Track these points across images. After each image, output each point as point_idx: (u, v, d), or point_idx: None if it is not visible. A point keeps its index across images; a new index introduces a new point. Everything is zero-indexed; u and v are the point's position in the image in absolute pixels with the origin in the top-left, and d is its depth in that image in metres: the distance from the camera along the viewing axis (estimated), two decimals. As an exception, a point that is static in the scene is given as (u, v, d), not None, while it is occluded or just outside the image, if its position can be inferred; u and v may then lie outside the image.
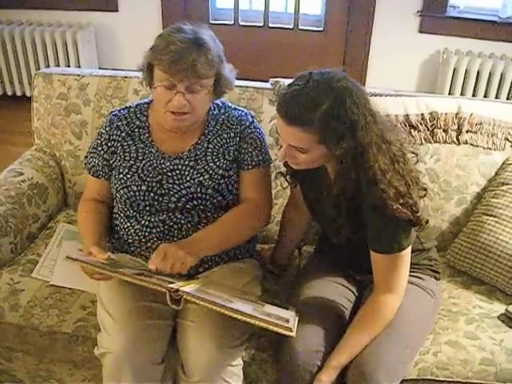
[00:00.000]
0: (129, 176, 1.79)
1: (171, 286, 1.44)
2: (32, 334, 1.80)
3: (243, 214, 1.80)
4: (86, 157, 1.93)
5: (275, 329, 1.39)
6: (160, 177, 1.78)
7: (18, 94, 4.65)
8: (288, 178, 1.82)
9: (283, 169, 1.82)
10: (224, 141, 1.84)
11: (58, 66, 4.43)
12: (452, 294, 2.01)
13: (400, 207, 1.49)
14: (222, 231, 1.74)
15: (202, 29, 1.72)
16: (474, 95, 4.14)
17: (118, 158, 1.83)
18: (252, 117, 1.92)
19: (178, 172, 1.79)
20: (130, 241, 1.82)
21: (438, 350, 1.74)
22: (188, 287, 1.48)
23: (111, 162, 1.85)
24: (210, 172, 1.79)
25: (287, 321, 1.47)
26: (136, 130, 1.85)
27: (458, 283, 2.07)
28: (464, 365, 1.70)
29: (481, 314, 1.90)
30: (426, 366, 1.69)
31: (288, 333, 1.40)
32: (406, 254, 1.60)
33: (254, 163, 1.85)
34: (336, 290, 1.80)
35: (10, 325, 1.81)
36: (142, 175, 1.78)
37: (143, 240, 1.79)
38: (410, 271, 1.65)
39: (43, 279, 1.95)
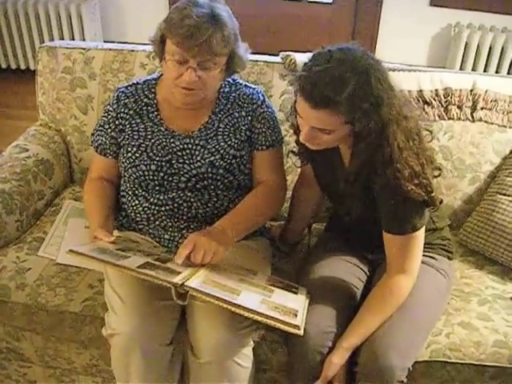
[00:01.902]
0: (137, 155, 1.75)
1: (176, 280, 1.40)
2: (39, 314, 1.78)
3: (263, 198, 1.77)
4: (92, 134, 1.89)
5: (282, 327, 1.36)
6: (170, 156, 1.74)
7: (22, 67, 4.60)
8: (300, 156, 1.78)
9: (294, 144, 1.78)
10: (235, 120, 1.79)
11: (62, 38, 4.38)
12: (464, 274, 1.98)
13: (414, 188, 1.45)
14: (245, 217, 1.70)
15: (218, 3, 1.66)
16: (485, 70, 4.09)
17: (126, 137, 1.78)
18: (263, 95, 1.87)
19: (188, 152, 1.75)
20: (138, 219, 1.80)
21: (450, 331, 1.72)
22: (195, 277, 1.44)
23: (119, 140, 1.81)
24: (222, 152, 1.75)
25: (295, 314, 1.44)
26: (144, 107, 1.80)
27: (471, 263, 2.05)
28: (477, 347, 1.68)
29: (494, 294, 1.88)
30: (438, 348, 1.68)
31: (295, 331, 1.37)
32: (420, 235, 1.57)
33: (267, 143, 1.81)
34: (347, 269, 1.78)
35: (17, 304, 1.79)
36: (150, 154, 1.74)
37: (151, 218, 1.77)
38: (423, 251, 1.62)
39: (50, 257, 1.92)
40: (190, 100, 1.71)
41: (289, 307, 1.47)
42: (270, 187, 1.79)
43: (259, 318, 1.36)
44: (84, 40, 4.37)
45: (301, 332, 1.38)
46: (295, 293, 1.63)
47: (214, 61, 1.62)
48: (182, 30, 1.57)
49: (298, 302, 1.56)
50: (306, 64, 1.44)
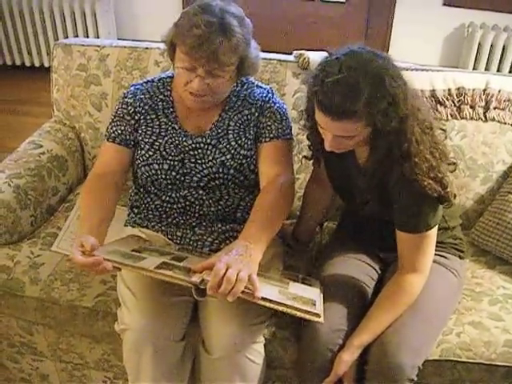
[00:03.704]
0: (150, 153, 1.75)
1: (195, 278, 1.39)
2: (52, 308, 1.80)
3: (277, 199, 1.66)
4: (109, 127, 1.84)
5: (303, 315, 1.38)
6: (182, 155, 1.74)
7: (37, 64, 4.63)
8: (313, 158, 1.78)
9: (306, 143, 1.78)
10: (245, 117, 1.79)
11: (77, 36, 4.42)
12: (475, 274, 1.98)
13: (432, 182, 1.46)
14: (262, 230, 1.57)
15: (232, 7, 1.63)
16: (498, 70, 4.07)
17: (140, 132, 1.78)
18: (272, 92, 1.85)
19: (200, 151, 1.75)
20: (150, 216, 1.80)
21: (460, 330, 1.72)
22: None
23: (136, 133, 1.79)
24: (232, 151, 1.75)
25: (314, 304, 1.45)
26: (160, 103, 1.80)
27: (482, 263, 2.04)
28: (487, 346, 1.67)
29: (505, 294, 1.87)
30: (448, 347, 1.67)
31: (316, 319, 1.39)
32: (433, 234, 1.58)
33: (271, 135, 1.77)
34: (359, 268, 1.78)
35: (31, 298, 1.80)
36: (163, 153, 1.74)
37: (164, 215, 1.78)
38: (435, 250, 1.62)
39: (63, 253, 1.94)
40: (199, 105, 1.71)
41: (306, 297, 1.48)
42: (276, 188, 1.69)
43: (280, 308, 1.37)
44: (98, 37, 4.40)
45: (321, 319, 1.40)
46: (309, 285, 1.64)
47: (222, 69, 1.60)
48: (189, 39, 1.55)
49: (313, 292, 1.58)
50: (317, 76, 1.43)
